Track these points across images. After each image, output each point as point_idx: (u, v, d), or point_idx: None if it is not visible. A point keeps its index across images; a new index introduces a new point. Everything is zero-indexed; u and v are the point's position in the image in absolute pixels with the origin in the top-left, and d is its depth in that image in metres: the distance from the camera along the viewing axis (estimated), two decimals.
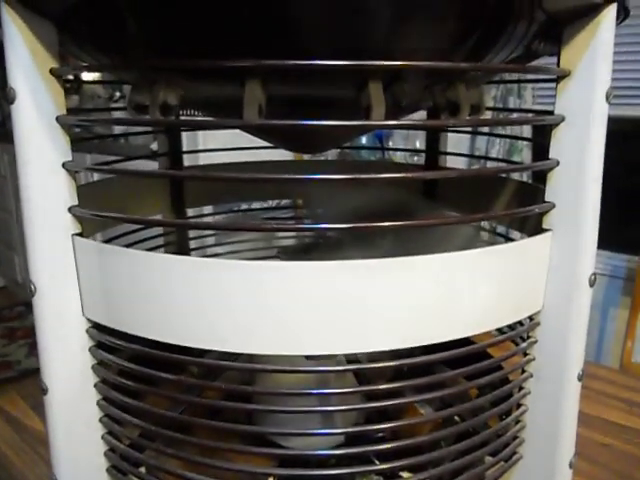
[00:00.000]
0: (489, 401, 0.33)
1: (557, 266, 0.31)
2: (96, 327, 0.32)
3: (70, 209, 0.31)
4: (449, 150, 0.55)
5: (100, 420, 0.34)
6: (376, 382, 0.43)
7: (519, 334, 0.34)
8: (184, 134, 0.57)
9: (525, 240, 0.31)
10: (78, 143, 0.32)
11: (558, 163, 0.31)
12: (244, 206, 0.72)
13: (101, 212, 0.31)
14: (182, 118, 0.43)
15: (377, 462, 0.34)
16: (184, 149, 0.55)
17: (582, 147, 0.30)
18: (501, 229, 0.51)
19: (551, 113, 0.31)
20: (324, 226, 0.27)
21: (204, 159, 0.58)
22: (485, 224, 0.52)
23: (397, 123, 0.29)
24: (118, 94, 2.17)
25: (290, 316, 0.27)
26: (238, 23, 0.28)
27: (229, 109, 0.30)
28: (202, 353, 0.30)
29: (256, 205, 0.76)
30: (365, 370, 0.43)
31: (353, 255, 0.27)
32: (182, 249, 0.57)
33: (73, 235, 0.31)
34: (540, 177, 0.32)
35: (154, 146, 1.57)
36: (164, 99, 0.31)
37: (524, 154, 1.82)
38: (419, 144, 1.82)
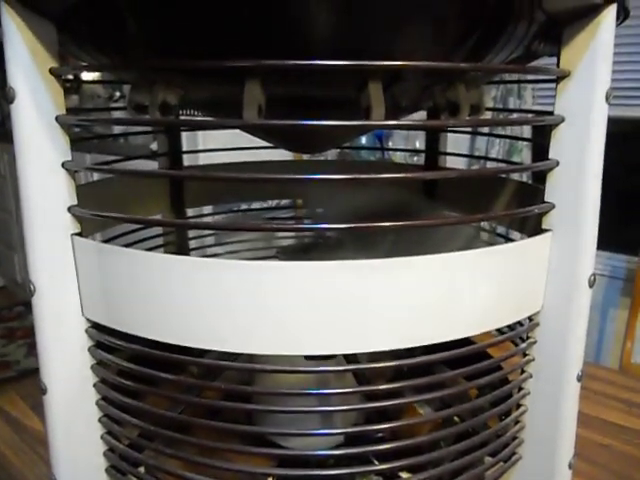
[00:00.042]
0: (489, 401, 0.33)
1: (557, 267, 0.31)
2: (95, 327, 0.32)
3: (69, 209, 0.31)
4: (449, 150, 0.55)
5: (99, 420, 0.34)
6: (376, 382, 0.43)
7: (519, 334, 0.34)
8: (184, 134, 0.57)
9: (525, 240, 0.31)
10: (78, 143, 0.32)
11: (558, 163, 0.31)
12: (244, 206, 0.72)
13: (100, 212, 0.31)
14: (182, 118, 0.43)
15: (376, 462, 0.34)
16: (184, 149, 0.55)
17: (582, 147, 0.30)
18: (501, 229, 0.51)
19: (551, 113, 0.31)
20: (324, 226, 0.27)
21: (204, 159, 0.58)
22: (485, 224, 0.53)
23: (397, 123, 0.29)
24: (118, 94, 2.17)
25: (289, 316, 0.27)
26: (238, 23, 0.28)
27: (229, 109, 0.30)
28: (202, 353, 0.30)
29: (256, 205, 0.76)
30: (365, 370, 0.43)
31: (353, 255, 0.27)
32: (182, 249, 0.57)
33: (72, 235, 0.31)
34: (540, 177, 0.32)
35: (154, 146, 1.57)
36: (164, 99, 0.31)
37: (524, 154, 1.82)
38: (419, 144, 1.82)
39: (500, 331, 0.38)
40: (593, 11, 0.28)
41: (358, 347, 0.28)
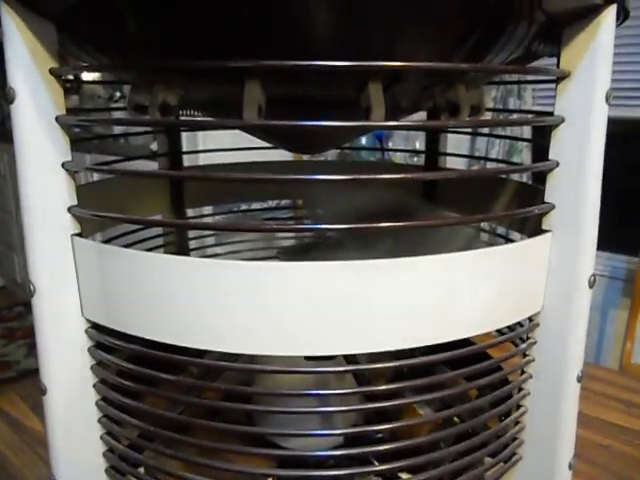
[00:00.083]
0: (489, 402, 0.33)
1: (557, 267, 0.31)
2: (95, 327, 0.32)
3: (69, 209, 0.31)
4: (449, 151, 0.55)
5: (99, 420, 0.34)
6: (375, 383, 0.43)
7: (519, 335, 0.34)
8: (184, 134, 0.57)
9: (525, 241, 0.31)
10: (78, 143, 0.32)
11: (558, 164, 0.31)
12: (244, 206, 0.72)
13: (100, 212, 0.31)
14: (182, 118, 0.43)
15: (376, 463, 0.34)
16: (184, 149, 0.55)
17: (582, 148, 0.30)
18: (501, 230, 0.51)
19: (551, 114, 0.31)
20: (323, 226, 0.27)
21: (204, 159, 0.58)
22: (485, 225, 0.52)
23: (397, 124, 0.29)
24: (118, 94, 2.17)
25: (289, 317, 0.27)
26: (238, 23, 0.28)
27: (229, 109, 0.30)
28: (201, 353, 0.30)
29: (256, 205, 0.76)
30: (364, 371, 0.43)
31: (353, 255, 0.27)
32: (182, 249, 0.57)
33: (72, 235, 0.31)
34: (540, 178, 0.32)
35: (154, 146, 1.57)
36: (164, 99, 0.31)
37: (524, 155, 1.82)
38: (419, 145, 1.82)
39: (500, 332, 0.38)
40: (593, 12, 0.28)
41: (358, 348, 0.28)
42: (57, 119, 0.30)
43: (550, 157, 0.31)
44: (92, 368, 0.33)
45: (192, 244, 0.59)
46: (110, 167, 0.43)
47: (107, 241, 0.42)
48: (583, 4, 0.28)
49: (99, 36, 0.32)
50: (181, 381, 0.31)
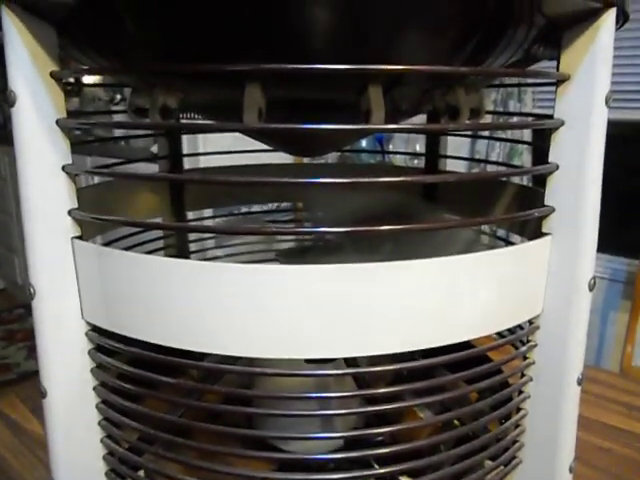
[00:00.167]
0: (489, 405, 0.33)
1: (557, 270, 0.31)
2: (95, 330, 0.32)
3: (70, 212, 0.31)
4: (449, 153, 0.55)
5: (99, 423, 0.34)
6: (375, 386, 0.43)
7: (519, 338, 0.34)
8: (184, 137, 0.58)
9: (525, 244, 0.31)
10: (78, 145, 0.32)
11: (558, 167, 0.31)
12: (244, 209, 0.72)
13: (101, 215, 0.31)
14: (182, 121, 0.43)
15: (376, 466, 0.34)
16: (184, 152, 0.55)
17: (582, 151, 0.30)
18: (501, 232, 0.51)
19: (551, 117, 0.31)
20: (322, 230, 0.27)
21: (204, 161, 0.58)
22: (485, 227, 0.53)
23: (397, 127, 0.29)
24: (119, 97, 2.17)
25: (289, 320, 0.27)
26: (238, 26, 0.28)
27: (229, 112, 0.30)
28: (202, 356, 0.30)
29: (256, 208, 0.76)
30: (365, 374, 0.43)
31: (353, 258, 0.27)
32: (182, 252, 0.57)
33: (73, 238, 0.31)
34: (540, 181, 0.32)
35: (154, 148, 1.57)
36: (164, 102, 0.31)
37: (524, 157, 1.83)
38: (419, 147, 1.82)
39: (500, 334, 0.38)
40: (593, 15, 0.29)
41: (358, 351, 0.28)
42: (57, 122, 0.30)
43: (550, 160, 0.31)
44: (92, 371, 0.33)
45: (192, 246, 0.59)
46: (110, 170, 0.43)
47: (107, 243, 0.42)
48: (583, 7, 0.28)
49: (99, 39, 0.32)
50: (181, 384, 0.31)
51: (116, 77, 0.41)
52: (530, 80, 0.37)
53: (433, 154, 0.55)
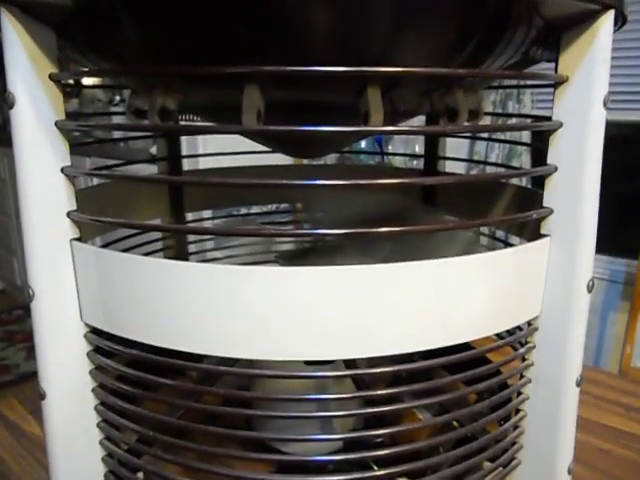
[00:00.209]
0: (488, 406, 0.33)
1: (555, 271, 0.31)
2: (94, 332, 0.32)
3: (68, 214, 0.31)
4: (448, 154, 0.55)
5: (98, 425, 0.34)
6: (375, 387, 0.43)
7: (518, 339, 0.34)
8: (184, 138, 0.58)
9: (523, 246, 0.31)
10: (77, 147, 0.32)
11: (556, 169, 0.31)
12: (243, 210, 0.72)
13: (100, 217, 0.31)
14: (181, 123, 0.43)
15: (375, 468, 0.34)
16: (184, 153, 0.55)
17: (580, 153, 0.30)
18: (500, 233, 0.51)
19: (549, 119, 0.31)
20: (321, 232, 0.27)
21: (204, 163, 0.58)
22: (484, 229, 0.53)
23: (395, 129, 0.29)
24: (118, 98, 2.17)
25: (288, 321, 0.27)
26: (237, 29, 0.28)
27: (228, 114, 0.30)
28: (200, 358, 0.30)
29: (255, 209, 0.76)
30: (364, 375, 0.43)
31: (352, 260, 0.27)
32: (181, 253, 0.57)
33: (71, 240, 0.31)
34: (539, 182, 0.32)
35: (154, 150, 1.57)
36: (163, 104, 0.31)
37: (523, 158, 1.83)
38: (418, 148, 1.82)
39: (499, 336, 0.38)
40: (591, 17, 0.29)
41: (357, 352, 0.28)
42: (56, 124, 0.30)
43: (549, 162, 0.31)
44: (91, 372, 0.33)
45: (192, 248, 0.59)
46: (109, 172, 0.43)
47: (107, 245, 0.42)
48: (581, 9, 0.28)
49: (98, 41, 0.32)
50: (180, 385, 0.31)
51: (115, 78, 0.41)
52: (529, 82, 0.37)
53: (432, 155, 0.55)
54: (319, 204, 0.48)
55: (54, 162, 0.30)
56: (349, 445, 0.37)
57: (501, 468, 0.34)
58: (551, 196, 0.31)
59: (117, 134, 1.80)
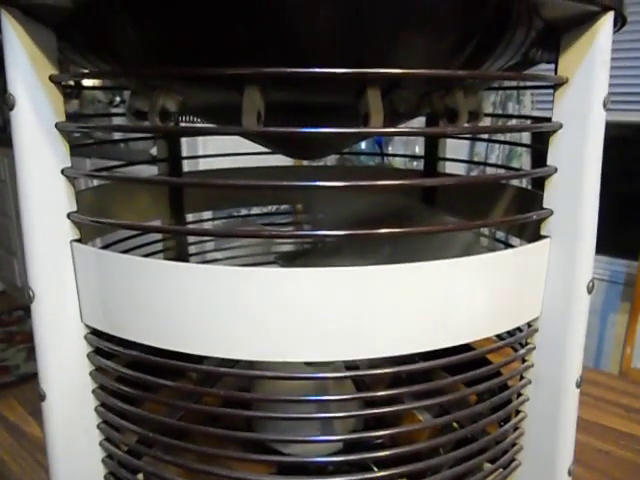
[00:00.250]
0: (488, 407, 0.33)
1: (555, 273, 0.32)
2: (94, 333, 0.32)
3: (69, 215, 0.31)
4: (448, 155, 0.55)
5: (98, 426, 0.34)
6: (375, 388, 0.43)
7: (518, 340, 0.34)
8: (184, 139, 0.58)
9: (523, 247, 0.31)
10: (78, 148, 0.32)
11: (556, 170, 0.31)
12: (244, 211, 0.72)
13: (100, 218, 0.31)
14: (182, 124, 0.43)
15: (376, 469, 0.34)
16: (184, 154, 0.55)
17: (580, 154, 0.30)
18: (501, 234, 0.51)
19: (549, 120, 0.31)
20: (321, 233, 0.27)
21: (204, 164, 0.58)
22: (484, 230, 0.53)
23: (395, 130, 0.29)
24: (118, 99, 2.18)
25: (288, 323, 0.27)
26: (237, 30, 0.28)
27: (228, 115, 0.30)
28: (201, 359, 0.30)
29: (256, 210, 0.76)
30: (364, 376, 0.43)
31: (352, 261, 0.27)
32: (181, 254, 0.57)
33: (72, 241, 0.31)
34: (539, 183, 0.32)
35: (154, 151, 1.57)
36: (163, 105, 0.31)
37: (523, 159, 1.83)
38: (418, 149, 1.82)
39: (499, 337, 0.38)
40: (590, 18, 0.29)
41: (357, 354, 0.28)
42: (57, 125, 0.30)
43: (548, 163, 0.31)
44: (91, 374, 0.33)
45: (192, 249, 0.59)
46: (109, 173, 0.43)
47: (107, 246, 0.42)
48: (581, 11, 0.28)
49: (99, 42, 0.32)
50: (180, 387, 0.31)
51: (115, 80, 0.41)
52: (528, 83, 0.37)
53: (432, 156, 0.55)
54: (319, 205, 0.48)
55: (54, 163, 0.30)
56: (349, 446, 0.37)
57: (501, 469, 0.34)
58: (551, 197, 0.31)
59: (117, 135, 1.80)
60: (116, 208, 0.45)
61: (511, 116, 1.79)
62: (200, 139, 1.49)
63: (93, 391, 0.33)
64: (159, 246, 0.55)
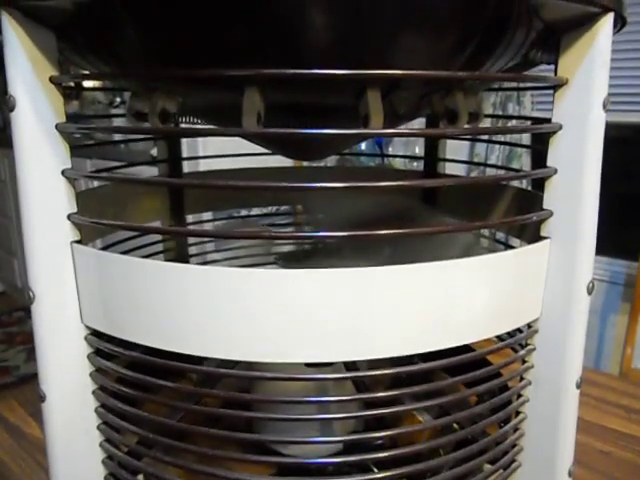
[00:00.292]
0: (488, 408, 0.33)
1: (555, 273, 0.32)
2: (95, 334, 0.32)
3: (69, 216, 0.31)
4: (448, 156, 0.55)
5: (98, 427, 0.34)
6: (375, 389, 0.43)
7: (518, 341, 0.34)
8: (184, 140, 0.58)
9: (523, 248, 0.31)
10: (78, 149, 0.32)
11: (556, 171, 0.31)
12: (244, 212, 0.72)
13: (100, 219, 0.31)
14: (182, 125, 0.43)
15: (375, 470, 0.34)
16: (184, 155, 0.55)
17: (579, 155, 0.30)
18: (501, 235, 0.51)
19: (549, 121, 0.31)
20: (321, 234, 0.27)
21: (204, 164, 0.58)
22: (485, 231, 0.53)
23: (395, 131, 0.29)
24: (118, 100, 2.18)
25: (287, 324, 0.27)
26: (237, 30, 0.28)
27: (228, 116, 0.30)
28: (201, 360, 0.30)
29: (256, 211, 0.76)
30: (364, 377, 0.43)
31: (352, 262, 0.27)
32: (181, 255, 0.57)
33: (72, 242, 0.31)
34: (539, 184, 0.32)
35: (154, 151, 1.57)
36: (163, 106, 0.31)
37: (523, 160, 1.83)
38: (418, 150, 1.82)
39: (499, 338, 0.38)
40: (590, 19, 0.29)
41: (357, 354, 0.28)
42: (57, 127, 0.30)
43: (548, 164, 0.31)
44: (91, 375, 0.33)
45: (193, 250, 0.59)
46: (109, 174, 0.43)
47: (107, 247, 0.42)
48: (580, 12, 0.28)
49: (99, 44, 0.32)
50: (180, 388, 0.31)
51: (116, 81, 0.41)
52: (528, 84, 0.37)
53: (432, 157, 0.55)
54: (319, 206, 0.48)
55: (54, 164, 0.30)
56: (349, 447, 0.37)
57: (501, 470, 0.34)
58: (551, 198, 0.31)
59: (118, 136, 1.81)
60: (116, 209, 0.45)
61: (511, 117, 1.79)
62: (200, 140, 1.49)
63: (93, 392, 0.33)
64: (159, 247, 0.55)
